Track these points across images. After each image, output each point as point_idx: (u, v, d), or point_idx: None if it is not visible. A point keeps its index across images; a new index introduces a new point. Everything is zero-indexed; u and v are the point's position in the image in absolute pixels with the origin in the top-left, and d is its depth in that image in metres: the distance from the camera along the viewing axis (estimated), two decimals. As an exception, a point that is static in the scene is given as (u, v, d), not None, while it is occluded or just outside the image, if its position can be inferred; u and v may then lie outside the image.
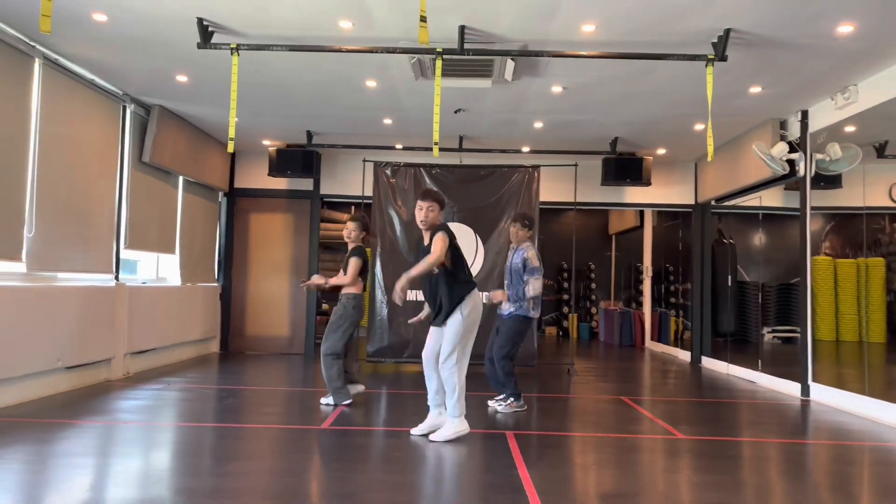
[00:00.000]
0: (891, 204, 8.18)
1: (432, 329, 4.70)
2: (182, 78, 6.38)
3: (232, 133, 5.05)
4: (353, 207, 13.36)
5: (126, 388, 6.35)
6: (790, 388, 7.04)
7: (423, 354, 4.67)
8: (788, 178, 7.13)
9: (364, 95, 6.86)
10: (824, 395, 6.50)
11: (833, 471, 4.07)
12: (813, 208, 6.94)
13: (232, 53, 5.04)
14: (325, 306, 12.33)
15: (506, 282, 5.80)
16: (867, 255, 9.71)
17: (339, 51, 5.10)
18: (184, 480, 3.55)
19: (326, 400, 5.76)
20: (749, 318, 10.87)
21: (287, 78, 6.33)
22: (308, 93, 6.81)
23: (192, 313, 8.73)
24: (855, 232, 9.29)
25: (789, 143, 6.94)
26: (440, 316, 4.61)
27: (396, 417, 5.34)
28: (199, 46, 5.04)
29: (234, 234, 9.79)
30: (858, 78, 5.96)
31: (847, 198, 7.43)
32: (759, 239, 10.89)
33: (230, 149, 5.07)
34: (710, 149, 4.96)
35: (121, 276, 7.13)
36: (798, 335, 10.99)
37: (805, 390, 6.77)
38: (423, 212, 4.51)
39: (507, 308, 5.74)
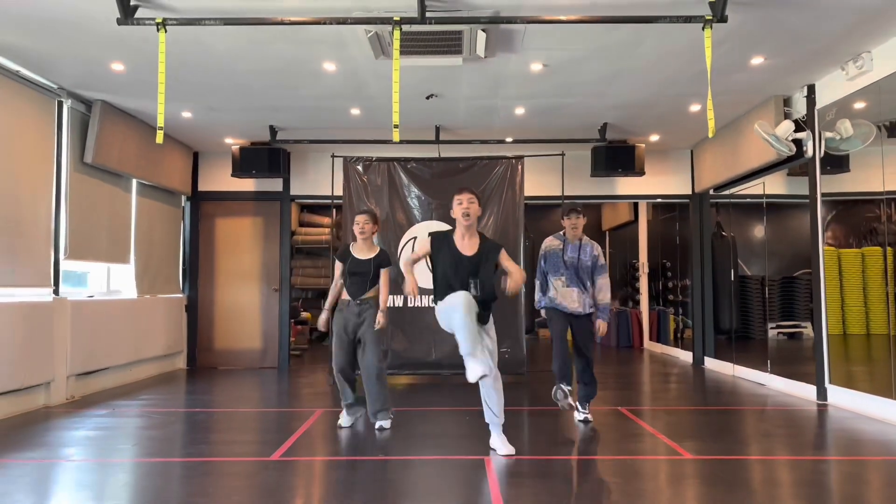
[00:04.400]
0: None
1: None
2: (118, 66, 5.70)
3: (161, 121, 4.38)
4: (333, 210, 12.66)
5: (65, 415, 5.67)
6: (804, 392, 6.39)
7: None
8: (795, 161, 6.49)
9: (325, 82, 6.19)
10: (843, 399, 5.86)
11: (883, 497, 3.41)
12: (824, 195, 6.28)
13: (158, 29, 4.38)
14: (305, 314, 11.64)
15: (564, 277, 5.17)
16: (862, 244, 9.11)
17: (281, 23, 4.43)
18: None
19: (383, 422, 5.07)
20: (752, 314, 10.22)
21: (234, 63, 5.66)
22: (262, 81, 6.14)
23: (153, 327, 8.04)
24: (859, 220, 8.65)
25: (795, 122, 6.29)
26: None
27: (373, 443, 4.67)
28: (120, 23, 4.38)
29: (200, 241, 9.10)
30: (872, 44, 5.32)
31: (854, 182, 6.81)
32: (759, 230, 10.25)
33: (158, 139, 4.40)
34: (711, 123, 4.30)
35: (64, 289, 6.46)
36: (803, 330, 10.41)
37: (821, 393, 6.12)
38: (462, 206, 4.26)
39: (577, 307, 5.20)
